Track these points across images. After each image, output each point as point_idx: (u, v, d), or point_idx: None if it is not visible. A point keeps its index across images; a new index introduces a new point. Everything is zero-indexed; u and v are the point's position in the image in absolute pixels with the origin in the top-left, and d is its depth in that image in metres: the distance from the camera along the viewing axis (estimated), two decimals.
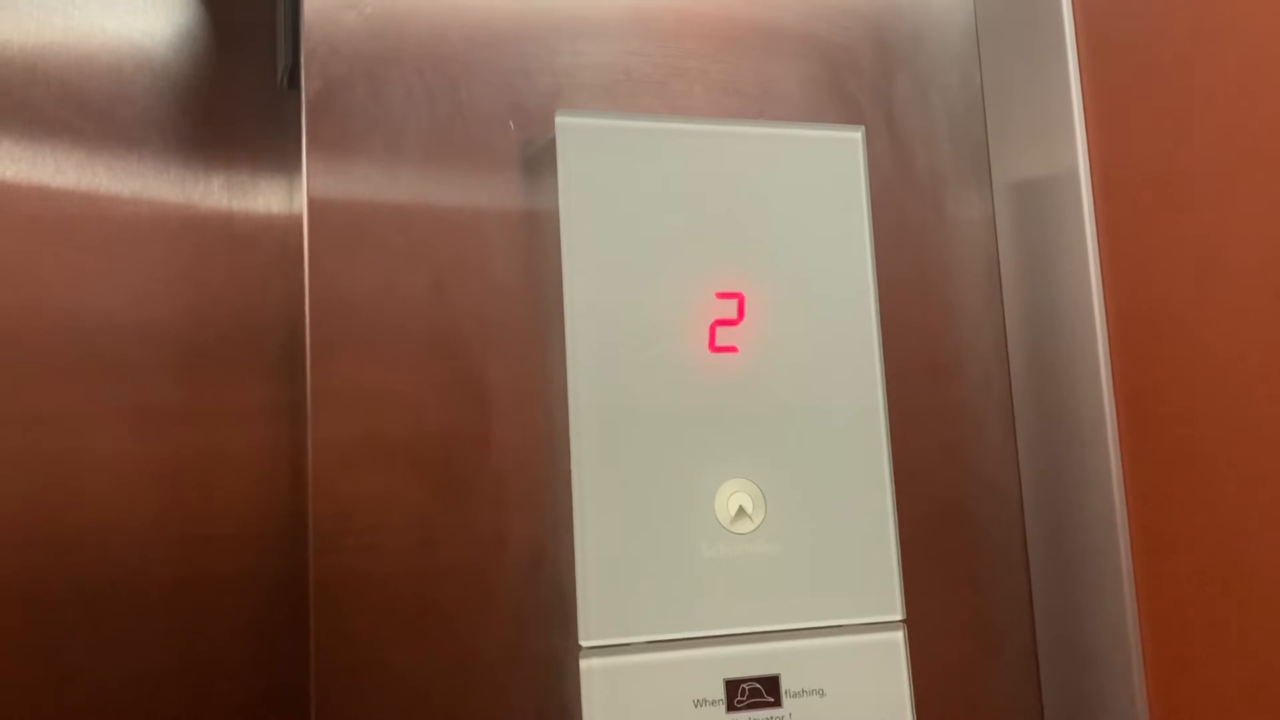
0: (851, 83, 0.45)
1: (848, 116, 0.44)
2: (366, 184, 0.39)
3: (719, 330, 0.38)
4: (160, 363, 0.39)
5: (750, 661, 0.36)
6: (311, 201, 0.38)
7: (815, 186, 0.40)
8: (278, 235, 0.41)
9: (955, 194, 0.45)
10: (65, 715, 0.36)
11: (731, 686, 0.36)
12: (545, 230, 0.40)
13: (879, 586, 0.38)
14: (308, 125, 0.38)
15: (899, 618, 0.38)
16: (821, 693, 0.36)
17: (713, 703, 0.36)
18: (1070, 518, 0.42)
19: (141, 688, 0.37)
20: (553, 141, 0.38)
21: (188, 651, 0.38)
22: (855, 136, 0.41)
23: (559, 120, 0.38)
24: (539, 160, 0.40)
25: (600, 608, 0.35)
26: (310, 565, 0.36)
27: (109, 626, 0.37)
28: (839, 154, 0.40)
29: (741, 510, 0.37)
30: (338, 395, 0.37)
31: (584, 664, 0.35)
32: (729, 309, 0.38)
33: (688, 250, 0.38)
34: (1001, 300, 0.45)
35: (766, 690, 0.36)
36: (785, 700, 0.36)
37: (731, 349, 0.38)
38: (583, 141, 0.38)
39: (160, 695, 0.38)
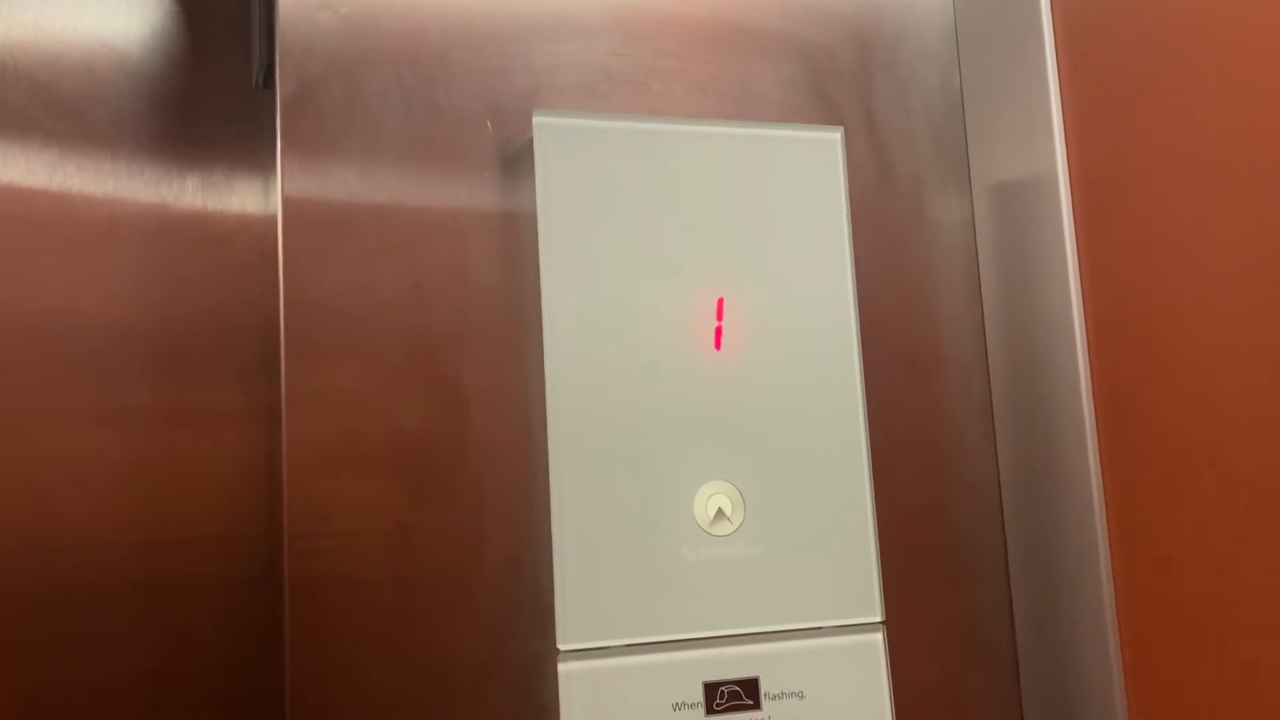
0: (831, 84, 0.45)
1: (827, 118, 0.44)
2: (342, 185, 0.38)
3: (698, 332, 0.38)
4: (134, 364, 0.39)
5: (729, 664, 0.36)
6: (287, 202, 0.38)
7: (795, 187, 0.40)
8: (253, 236, 0.41)
9: (934, 196, 0.45)
10: (36, 716, 0.36)
11: (710, 689, 0.36)
12: (523, 231, 0.40)
13: (858, 588, 0.38)
14: (283, 125, 0.38)
15: (878, 619, 0.38)
16: (801, 695, 0.36)
17: (692, 705, 0.35)
18: (1049, 519, 0.42)
19: (114, 691, 0.37)
20: (531, 141, 0.38)
21: (162, 655, 0.38)
22: (835, 137, 0.41)
23: (537, 120, 0.38)
24: (517, 160, 0.40)
25: (579, 611, 0.35)
26: (285, 569, 0.36)
27: (81, 629, 0.37)
28: (818, 155, 0.40)
29: (720, 512, 0.37)
30: (313, 397, 0.37)
31: (562, 668, 0.35)
32: (708, 311, 0.38)
33: (667, 251, 0.38)
34: (981, 302, 0.45)
35: (746, 693, 0.36)
36: (764, 703, 0.36)
37: (711, 351, 0.38)
38: (561, 142, 0.38)
39: (134, 699, 0.37)
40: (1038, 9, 0.42)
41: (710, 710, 0.36)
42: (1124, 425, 0.39)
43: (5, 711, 0.36)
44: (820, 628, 0.37)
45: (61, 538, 0.37)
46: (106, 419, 0.38)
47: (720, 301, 0.38)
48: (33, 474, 0.37)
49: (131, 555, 0.38)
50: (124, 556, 0.37)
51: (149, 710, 0.37)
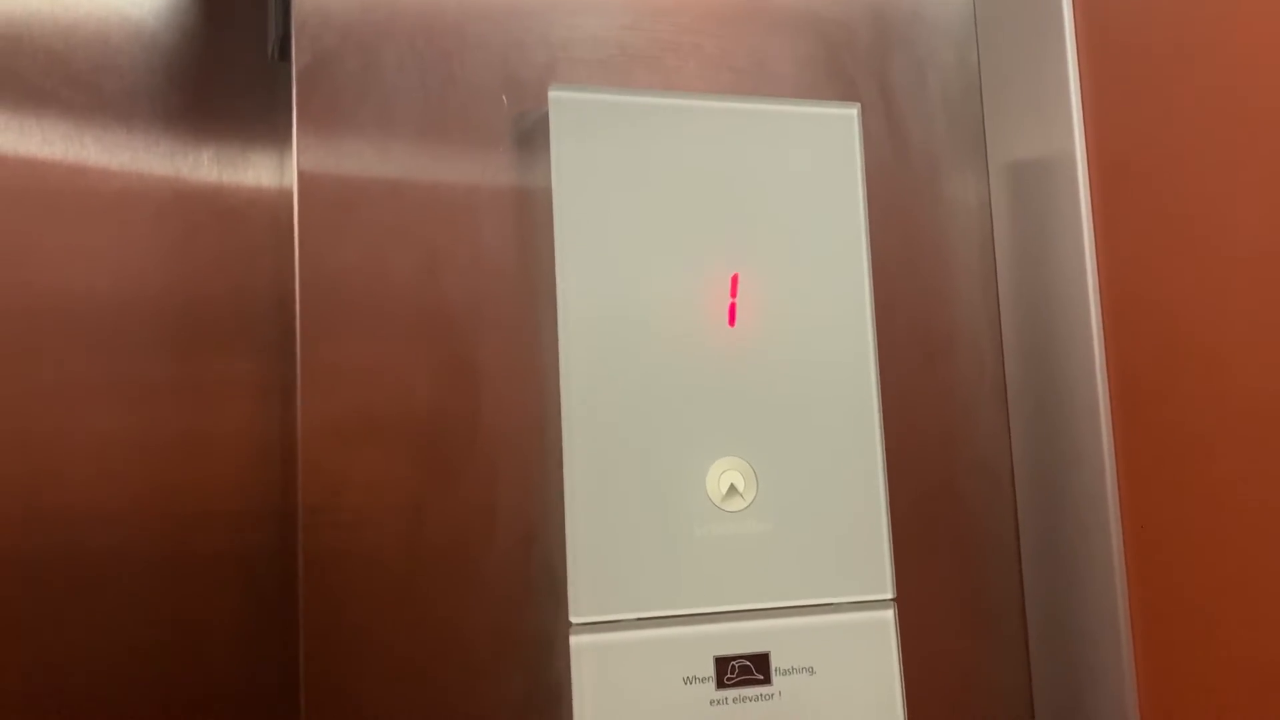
0: (848, 60, 0.44)
1: (843, 94, 0.44)
2: (357, 159, 0.38)
3: (712, 309, 0.38)
4: (148, 338, 0.39)
5: (740, 639, 0.36)
6: (302, 176, 0.38)
7: (811, 164, 0.40)
8: (268, 209, 0.41)
9: (951, 174, 0.45)
10: (53, 690, 0.36)
11: (721, 664, 0.36)
12: (538, 206, 0.39)
13: (870, 565, 0.38)
14: (298, 98, 0.38)
15: (889, 596, 0.38)
16: (811, 670, 0.36)
17: (702, 680, 0.36)
18: (1062, 500, 0.42)
19: (129, 664, 0.37)
20: (546, 116, 0.38)
21: (176, 629, 0.38)
22: (851, 113, 0.40)
23: (552, 95, 0.38)
24: (532, 135, 0.40)
25: (590, 585, 0.35)
26: (299, 543, 0.36)
27: (97, 603, 0.37)
28: (834, 131, 0.40)
29: (733, 488, 0.37)
30: (328, 373, 0.37)
31: (574, 641, 0.35)
32: (723, 287, 0.38)
33: (681, 227, 0.38)
34: (996, 282, 0.45)
35: (756, 668, 0.36)
36: (775, 678, 0.36)
37: (725, 327, 0.38)
38: (576, 116, 0.38)
39: (148, 672, 0.37)
40: None
41: (721, 684, 0.36)
42: (1138, 408, 0.39)
43: (21, 681, 0.36)
44: (831, 604, 0.37)
45: (75, 511, 0.37)
46: (120, 393, 0.38)
47: (735, 278, 0.38)
48: (47, 449, 0.37)
49: (145, 529, 0.38)
50: (138, 530, 0.38)
51: (164, 682, 0.37)
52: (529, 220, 0.40)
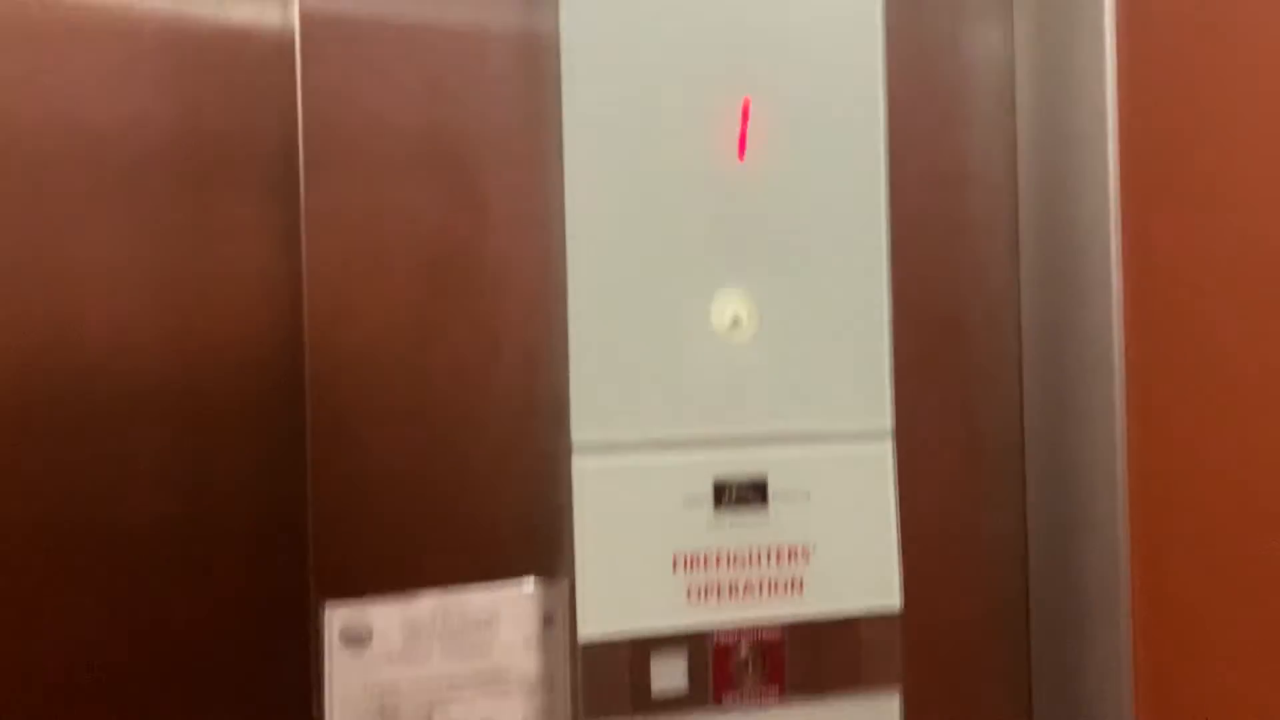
0: None
1: None
2: None
3: (722, 139, 0.37)
4: (157, 174, 0.39)
5: (739, 463, 0.37)
6: (304, 11, 0.37)
7: None
8: (271, 44, 0.40)
9: (975, 7, 0.43)
10: (66, 519, 0.37)
11: (720, 486, 0.37)
12: (545, 36, 0.39)
13: (870, 395, 0.38)
14: None
15: (888, 426, 0.38)
16: (808, 496, 0.37)
17: (701, 501, 0.36)
18: (1067, 340, 0.42)
19: (145, 498, 0.38)
20: None
21: (187, 454, 0.39)
22: None
23: None
24: None
25: (594, 404, 0.36)
26: (306, 373, 0.37)
27: (107, 435, 0.38)
28: None
29: (736, 318, 0.37)
30: (332, 206, 0.37)
31: (576, 461, 0.36)
32: (733, 118, 0.37)
33: (692, 55, 0.37)
34: (1014, 118, 0.44)
35: (754, 491, 0.37)
36: (771, 502, 0.37)
37: (734, 158, 0.37)
38: None
39: (160, 495, 0.38)
40: None
41: (719, 506, 0.37)
42: (1149, 250, 0.39)
43: (27, 509, 0.37)
44: (830, 432, 0.38)
45: (87, 348, 0.37)
46: (129, 229, 0.38)
47: (745, 107, 0.37)
48: (57, 288, 0.37)
49: (158, 363, 0.38)
50: (150, 365, 0.38)
51: (179, 500, 0.38)
52: (537, 46, 0.39)
